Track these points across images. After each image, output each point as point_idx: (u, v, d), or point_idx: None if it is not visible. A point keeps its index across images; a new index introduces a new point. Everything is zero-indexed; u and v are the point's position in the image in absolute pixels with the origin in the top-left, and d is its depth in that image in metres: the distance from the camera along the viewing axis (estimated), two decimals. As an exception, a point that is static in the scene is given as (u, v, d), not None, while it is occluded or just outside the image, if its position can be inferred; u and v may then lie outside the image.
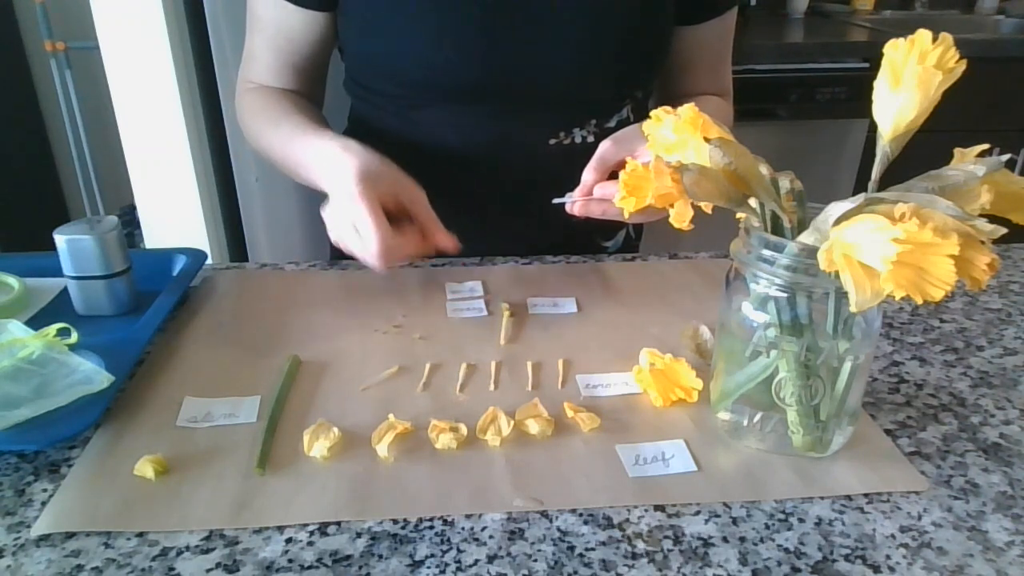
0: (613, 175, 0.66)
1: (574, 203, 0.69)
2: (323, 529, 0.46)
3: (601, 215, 0.69)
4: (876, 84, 0.45)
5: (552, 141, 0.81)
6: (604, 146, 0.69)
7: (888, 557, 0.45)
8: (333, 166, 0.68)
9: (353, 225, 0.65)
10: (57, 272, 0.69)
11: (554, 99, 0.80)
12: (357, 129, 0.90)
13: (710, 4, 0.85)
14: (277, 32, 0.82)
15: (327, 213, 0.68)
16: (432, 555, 0.45)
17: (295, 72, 0.85)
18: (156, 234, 1.57)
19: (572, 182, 0.70)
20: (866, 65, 1.78)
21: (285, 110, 0.82)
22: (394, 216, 0.67)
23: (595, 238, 0.93)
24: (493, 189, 0.85)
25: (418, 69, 0.78)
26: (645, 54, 0.83)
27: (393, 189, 0.68)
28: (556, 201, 0.70)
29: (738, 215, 0.51)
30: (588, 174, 0.69)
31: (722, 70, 0.92)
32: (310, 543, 0.45)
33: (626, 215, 0.53)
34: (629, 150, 0.67)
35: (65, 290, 0.71)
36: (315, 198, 1.04)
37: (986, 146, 0.47)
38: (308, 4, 0.80)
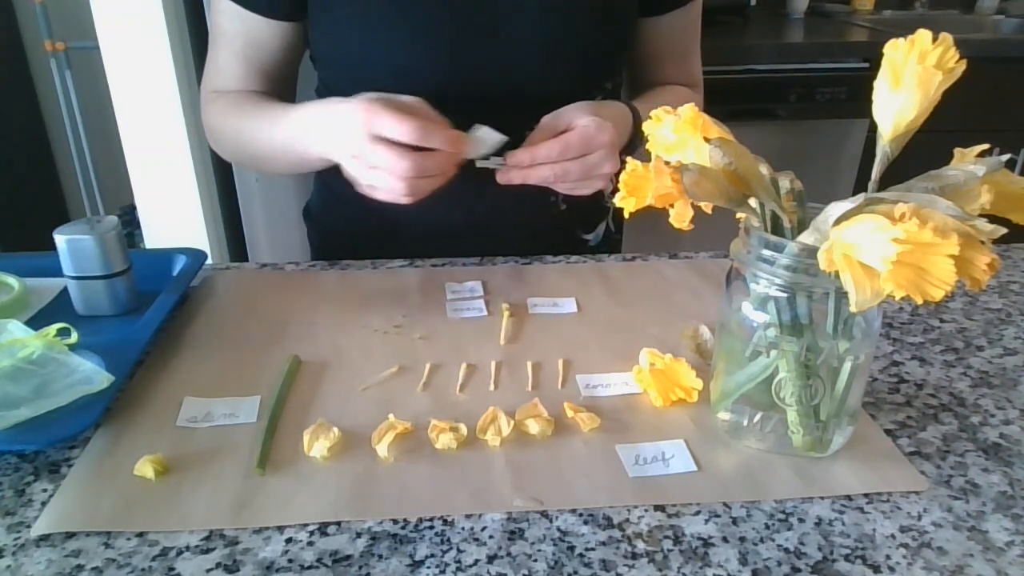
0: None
1: (507, 170, 0.71)
2: (323, 529, 0.46)
3: (521, 182, 0.70)
4: (876, 84, 0.45)
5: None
6: (545, 119, 0.72)
7: (888, 557, 0.45)
8: (330, 123, 0.68)
9: (374, 165, 0.65)
10: (57, 272, 0.69)
11: (523, 95, 0.80)
12: None
13: None
14: (245, 44, 0.82)
15: (347, 169, 0.69)
16: (432, 555, 0.45)
17: (264, 79, 0.85)
18: (156, 234, 1.57)
19: None
20: (866, 65, 1.78)
21: (260, 103, 0.82)
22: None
23: (576, 231, 0.94)
24: (468, 188, 0.85)
25: (387, 73, 0.78)
26: (608, 47, 0.84)
27: (395, 109, 0.66)
28: (480, 164, 0.71)
29: (738, 215, 0.51)
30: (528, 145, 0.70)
31: (690, 61, 0.94)
32: (310, 543, 0.45)
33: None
34: (567, 121, 0.70)
35: (65, 290, 0.71)
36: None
37: (986, 146, 0.47)
38: (276, 15, 0.80)
